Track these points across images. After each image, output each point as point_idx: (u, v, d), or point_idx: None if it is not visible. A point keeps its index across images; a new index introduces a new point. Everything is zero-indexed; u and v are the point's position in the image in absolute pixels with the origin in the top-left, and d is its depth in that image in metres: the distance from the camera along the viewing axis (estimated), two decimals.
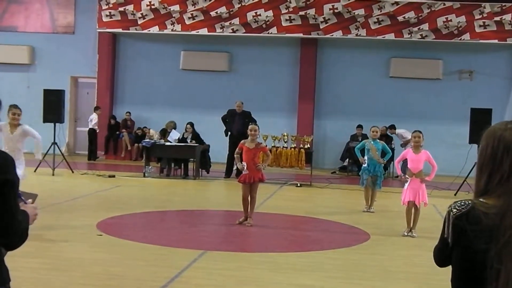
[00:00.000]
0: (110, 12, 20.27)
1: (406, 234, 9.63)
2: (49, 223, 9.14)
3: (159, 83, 20.97)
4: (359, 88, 20.20)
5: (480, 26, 18.90)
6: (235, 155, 10.26)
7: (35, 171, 15.15)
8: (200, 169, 16.42)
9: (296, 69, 20.42)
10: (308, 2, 19.50)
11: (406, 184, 9.66)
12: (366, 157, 11.71)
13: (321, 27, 19.48)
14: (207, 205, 12.47)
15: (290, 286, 6.62)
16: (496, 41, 19.01)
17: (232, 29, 19.76)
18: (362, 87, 20.19)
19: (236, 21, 19.72)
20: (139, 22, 20.16)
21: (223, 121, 16.91)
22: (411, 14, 19.13)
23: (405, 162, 10.11)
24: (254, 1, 19.65)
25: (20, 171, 9.21)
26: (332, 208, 12.26)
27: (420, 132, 9.84)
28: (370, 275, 7.22)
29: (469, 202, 2.40)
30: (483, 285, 2.31)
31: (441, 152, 16.40)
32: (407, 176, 9.70)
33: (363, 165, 11.85)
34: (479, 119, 14.38)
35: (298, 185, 15.43)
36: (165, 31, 20.10)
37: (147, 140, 16.91)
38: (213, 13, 19.80)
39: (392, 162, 16.06)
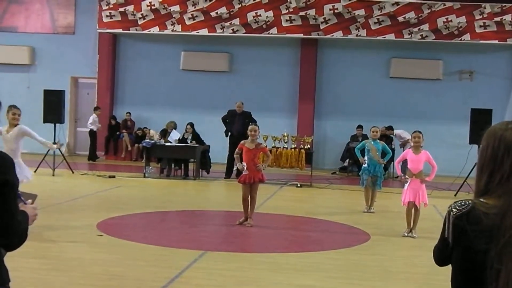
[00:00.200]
0: (110, 13, 20.27)
1: (406, 234, 9.62)
2: (49, 224, 9.14)
3: (159, 83, 20.97)
4: (359, 88, 20.20)
5: (480, 26, 18.90)
6: (235, 155, 10.26)
7: (35, 171, 15.14)
8: (200, 170, 16.42)
9: (296, 69, 20.42)
10: (308, 3, 19.49)
11: (406, 185, 9.65)
12: (366, 158, 11.70)
13: (321, 27, 19.48)
14: (207, 205, 12.47)
15: (291, 286, 6.62)
16: (496, 41, 19.00)
17: (233, 29, 19.76)
18: (362, 87, 20.19)
19: (236, 21, 19.72)
20: (140, 22, 20.16)
21: (223, 121, 16.91)
22: (411, 15, 19.13)
23: (405, 162, 10.10)
24: (254, 1, 19.65)
25: (28, 174, 9.18)
26: (332, 209, 12.26)
27: (420, 132, 9.83)
28: (370, 276, 7.22)
29: (470, 202, 2.40)
30: (483, 285, 2.31)
31: (441, 153, 16.39)
32: (407, 176, 9.69)
33: (363, 166, 11.84)
34: (479, 120, 14.38)
35: (298, 185, 15.43)
36: (166, 32, 20.10)
37: (147, 140, 16.92)
38: (213, 14, 19.80)
39: (392, 163, 16.05)
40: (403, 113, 19.76)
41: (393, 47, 19.86)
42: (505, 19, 18.83)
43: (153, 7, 20.06)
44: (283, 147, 15.71)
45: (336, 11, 19.35)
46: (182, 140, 16.64)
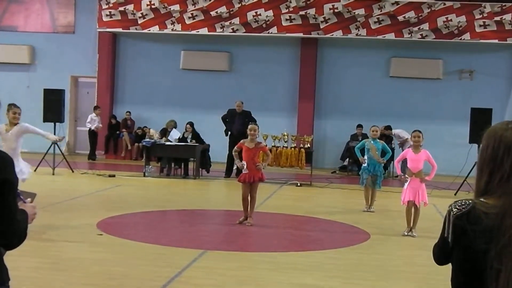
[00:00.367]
0: (110, 12, 20.26)
1: (406, 233, 9.62)
2: (49, 223, 9.14)
3: (159, 82, 20.97)
4: (359, 87, 20.20)
5: (480, 26, 18.90)
6: (233, 153, 10.27)
7: (35, 170, 15.12)
8: (200, 169, 16.42)
9: (296, 68, 20.42)
10: (308, 2, 19.49)
11: (406, 184, 9.65)
12: (366, 157, 11.70)
13: (321, 26, 19.48)
14: (207, 204, 12.47)
15: (291, 285, 6.62)
16: (496, 41, 19.00)
17: (232, 28, 19.76)
18: (362, 86, 20.18)
19: (236, 20, 19.72)
20: (139, 21, 20.16)
21: (223, 120, 16.92)
22: (411, 14, 19.13)
23: (404, 161, 10.10)
24: (254, 0, 19.64)
25: (26, 169, 9.18)
26: (332, 208, 12.26)
27: (420, 131, 9.83)
28: (370, 275, 7.22)
29: (470, 201, 2.40)
30: (483, 285, 2.31)
31: (441, 152, 16.38)
32: (406, 175, 9.69)
33: (363, 165, 11.84)
34: (479, 119, 14.37)
35: (298, 184, 15.43)
36: (165, 31, 20.10)
37: (147, 139, 16.91)
38: (213, 13, 19.80)
39: (392, 162, 16.05)
40: (403, 113, 19.76)
41: (393, 46, 19.86)
42: (505, 19, 18.83)
43: (153, 6, 20.06)
44: (283, 146, 15.71)
45: (336, 10, 19.35)
46: (182, 139, 16.64)
